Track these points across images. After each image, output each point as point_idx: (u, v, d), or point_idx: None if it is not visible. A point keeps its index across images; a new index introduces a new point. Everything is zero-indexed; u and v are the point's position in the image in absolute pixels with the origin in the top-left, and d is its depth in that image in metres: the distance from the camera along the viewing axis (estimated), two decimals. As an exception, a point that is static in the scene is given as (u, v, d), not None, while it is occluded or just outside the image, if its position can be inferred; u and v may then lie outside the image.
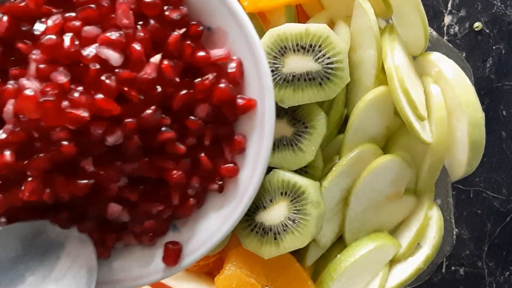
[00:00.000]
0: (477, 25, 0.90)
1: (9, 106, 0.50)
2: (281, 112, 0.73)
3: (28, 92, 0.48)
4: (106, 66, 0.49)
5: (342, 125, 0.77)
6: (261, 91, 0.54)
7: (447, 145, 0.75)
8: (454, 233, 0.80)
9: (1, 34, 0.52)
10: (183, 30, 0.53)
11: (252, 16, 0.72)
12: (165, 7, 0.53)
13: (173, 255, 0.56)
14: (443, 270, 0.92)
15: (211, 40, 0.56)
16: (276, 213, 0.72)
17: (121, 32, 0.50)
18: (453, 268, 0.92)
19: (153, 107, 0.50)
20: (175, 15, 0.53)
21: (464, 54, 0.90)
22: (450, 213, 0.80)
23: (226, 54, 0.54)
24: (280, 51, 0.69)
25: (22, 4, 0.51)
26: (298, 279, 0.75)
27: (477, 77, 0.90)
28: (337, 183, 0.74)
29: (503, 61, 0.91)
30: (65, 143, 0.48)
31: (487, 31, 0.90)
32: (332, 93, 0.70)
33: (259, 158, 0.55)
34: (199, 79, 0.53)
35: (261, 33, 0.71)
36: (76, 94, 0.48)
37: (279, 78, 0.69)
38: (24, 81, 0.50)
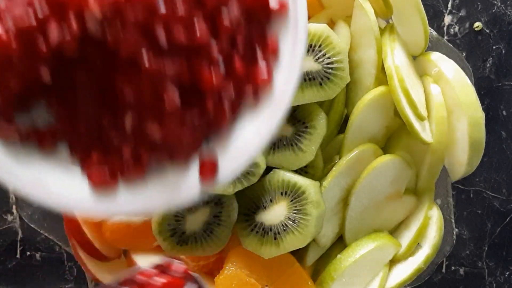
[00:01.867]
0: (477, 25, 0.90)
1: None
2: (281, 112, 0.73)
3: None
4: None
5: (342, 125, 0.77)
6: None
7: (447, 145, 0.75)
8: (454, 233, 0.80)
9: None
10: None
11: (252, 16, 0.72)
12: None
13: (209, 169, 0.52)
14: (443, 270, 0.92)
15: None
16: (276, 213, 0.72)
17: None
18: (453, 268, 0.92)
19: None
20: None
21: (464, 54, 0.90)
22: (450, 213, 0.80)
23: None
24: (280, 51, 0.69)
25: None
26: (298, 279, 0.75)
27: (477, 77, 0.90)
28: (337, 183, 0.74)
29: (503, 61, 0.91)
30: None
31: (487, 31, 0.90)
32: (332, 93, 0.70)
33: (293, 63, 0.51)
34: None
35: (261, 33, 0.71)
36: None
37: (279, 78, 0.69)
38: None
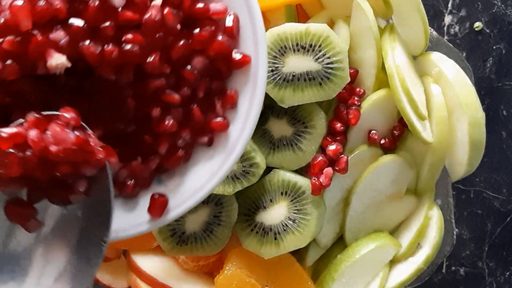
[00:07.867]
0: (477, 25, 0.90)
1: None
2: (281, 112, 0.73)
3: (19, 2, 0.45)
4: (107, 6, 0.49)
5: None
6: (256, 47, 0.55)
7: (447, 145, 0.75)
8: (455, 233, 0.80)
9: None
10: None
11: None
12: None
13: (159, 206, 0.56)
14: (443, 270, 0.92)
15: None
16: (276, 213, 0.72)
17: None
18: (453, 268, 0.92)
19: (157, 53, 0.50)
20: None
21: (464, 54, 0.90)
22: (450, 213, 0.80)
23: (225, 8, 0.55)
24: (280, 51, 0.69)
25: None
26: (298, 279, 0.75)
27: (477, 77, 0.90)
28: (337, 183, 0.74)
29: (503, 61, 0.90)
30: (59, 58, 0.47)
31: (487, 31, 0.90)
32: (332, 93, 0.70)
33: (250, 113, 0.55)
34: (197, 30, 0.54)
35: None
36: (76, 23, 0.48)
37: (279, 77, 0.69)
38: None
